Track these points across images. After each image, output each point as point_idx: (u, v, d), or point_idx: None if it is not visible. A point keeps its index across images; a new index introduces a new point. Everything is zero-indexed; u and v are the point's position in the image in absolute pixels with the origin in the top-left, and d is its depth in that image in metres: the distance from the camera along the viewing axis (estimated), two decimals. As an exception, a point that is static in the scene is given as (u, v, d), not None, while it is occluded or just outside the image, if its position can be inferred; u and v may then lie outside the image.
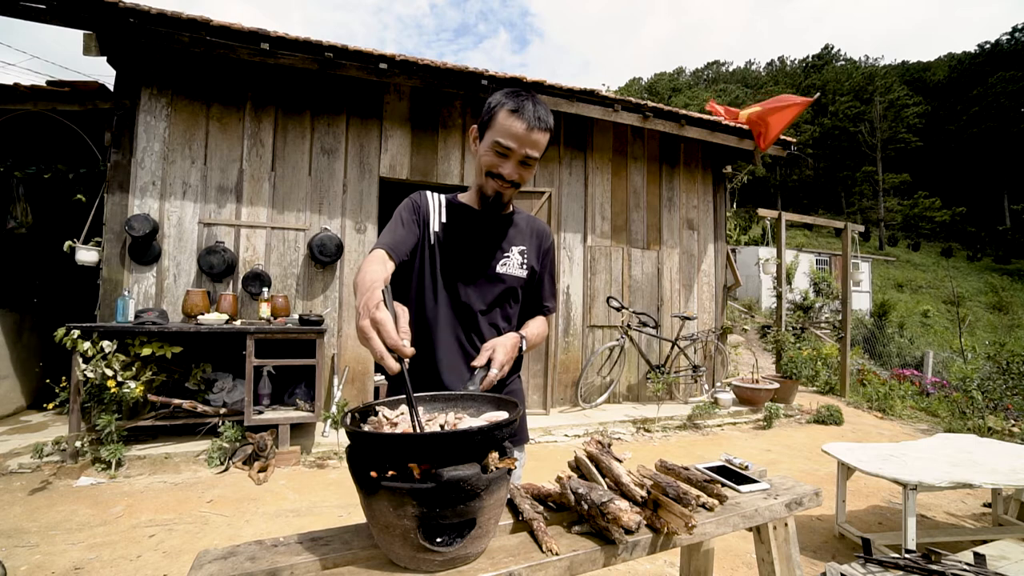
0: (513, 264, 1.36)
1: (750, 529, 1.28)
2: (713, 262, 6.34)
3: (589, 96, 5.04)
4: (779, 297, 7.34)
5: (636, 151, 5.96)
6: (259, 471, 3.42)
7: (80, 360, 3.36)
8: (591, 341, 5.58)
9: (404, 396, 0.97)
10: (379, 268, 1.06)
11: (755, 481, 1.36)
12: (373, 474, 0.85)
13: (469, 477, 0.85)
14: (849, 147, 41.88)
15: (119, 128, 4.12)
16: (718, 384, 6.06)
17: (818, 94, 7.06)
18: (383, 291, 0.93)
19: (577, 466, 1.22)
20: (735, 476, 1.40)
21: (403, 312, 1.08)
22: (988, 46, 54.27)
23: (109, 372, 3.41)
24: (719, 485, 1.24)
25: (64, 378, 3.51)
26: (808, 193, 45.93)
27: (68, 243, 3.98)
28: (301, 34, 4.11)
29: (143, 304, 4.06)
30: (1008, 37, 52.38)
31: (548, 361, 5.16)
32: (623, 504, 1.00)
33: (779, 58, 71.80)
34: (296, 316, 4.11)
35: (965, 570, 1.47)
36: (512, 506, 1.11)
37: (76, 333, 3.36)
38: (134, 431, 3.85)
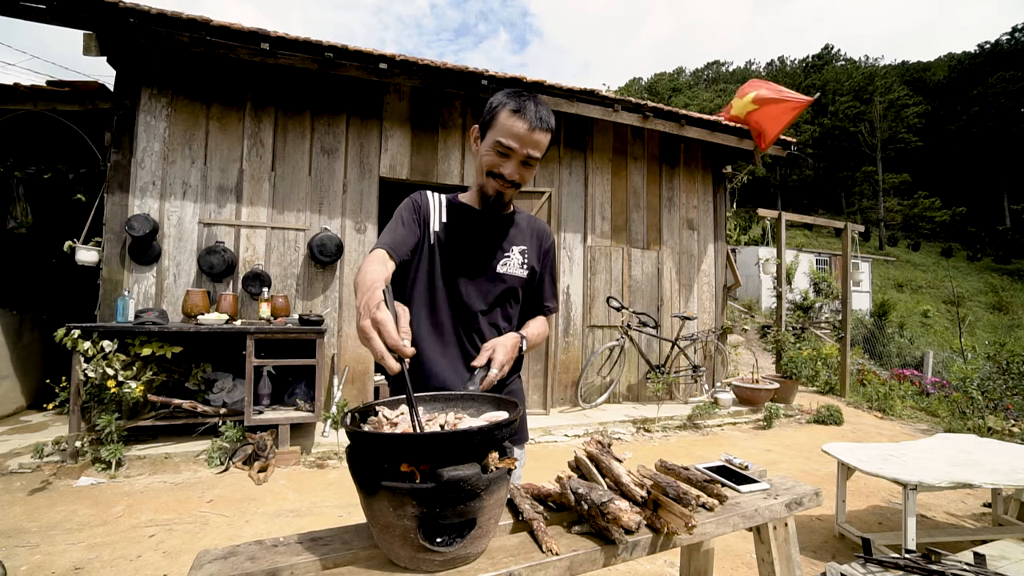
0: (514, 264, 1.35)
1: (750, 529, 1.28)
2: (713, 262, 6.34)
3: (589, 96, 5.04)
4: (779, 297, 7.34)
5: (636, 151, 5.96)
6: (259, 471, 3.42)
7: (80, 360, 3.37)
8: (591, 341, 5.58)
9: (404, 396, 0.97)
10: (379, 268, 1.06)
11: (755, 481, 1.36)
12: (375, 474, 0.85)
13: (469, 477, 0.85)
14: (849, 147, 41.86)
15: (119, 128, 4.12)
16: (718, 384, 6.06)
17: (818, 94, 7.06)
18: (384, 291, 0.93)
19: (577, 466, 1.23)
20: (735, 476, 1.40)
21: (403, 312, 1.09)
22: (988, 46, 54.29)
23: (110, 372, 3.42)
24: (719, 485, 1.24)
25: (64, 378, 3.52)
26: (808, 193, 45.93)
27: (68, 243, 3.98)
28: (301, 34, 4.11)
29: (143, 304, 4.06)
30: (1008, 37, 52.39)
31: (548, 361, 5.16)
32: (623, 504, 1.00)
33: (779, 58, 71.80)
34: (296, 316, 4.11)
35: (965, 570, 1.47)
36: (512, 506, 1.11)
37: (76, 333, 3.36)
38: (134, 431, 3.85)
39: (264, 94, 4.50)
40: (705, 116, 5.65)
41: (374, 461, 0.87)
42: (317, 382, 3.95)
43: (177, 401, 3.75)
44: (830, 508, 2.84)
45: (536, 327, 1.40)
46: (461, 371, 1.28)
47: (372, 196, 4.77)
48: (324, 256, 4.50)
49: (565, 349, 5.44)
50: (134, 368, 3.60)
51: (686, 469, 1.29)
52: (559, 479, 1.16)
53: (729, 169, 6.58)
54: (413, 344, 1.03)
